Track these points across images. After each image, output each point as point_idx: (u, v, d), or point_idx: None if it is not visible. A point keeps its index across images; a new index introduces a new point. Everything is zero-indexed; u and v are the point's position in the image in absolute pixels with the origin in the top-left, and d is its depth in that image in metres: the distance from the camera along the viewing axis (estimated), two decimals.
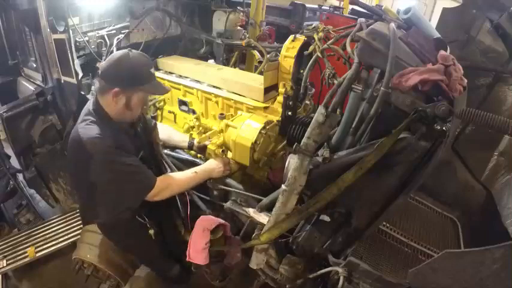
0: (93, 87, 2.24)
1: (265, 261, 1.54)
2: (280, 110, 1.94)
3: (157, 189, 1.55)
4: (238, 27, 3.06)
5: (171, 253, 1.99)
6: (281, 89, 1.98)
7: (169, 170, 1.84)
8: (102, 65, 1.55)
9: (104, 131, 1.46)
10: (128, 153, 1.51)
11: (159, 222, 1.86)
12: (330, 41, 1.60)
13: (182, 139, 2.01)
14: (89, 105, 1.57)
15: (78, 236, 2.20)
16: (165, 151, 1.96)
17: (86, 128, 1.47)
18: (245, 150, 1.77)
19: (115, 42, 2.37)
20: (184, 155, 1.96)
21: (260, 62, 2.91)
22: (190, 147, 1.95)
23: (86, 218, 1.91)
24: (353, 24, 1.44)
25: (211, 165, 1.77)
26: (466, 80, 1.13)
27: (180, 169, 1.90)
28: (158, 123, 1.98)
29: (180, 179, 1.67)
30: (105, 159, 1.44)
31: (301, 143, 1.18)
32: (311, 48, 1.78)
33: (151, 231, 1.78)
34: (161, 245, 1.92)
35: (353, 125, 1.23)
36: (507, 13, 1.70)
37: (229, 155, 1.93)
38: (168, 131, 2.05)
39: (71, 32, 1.98)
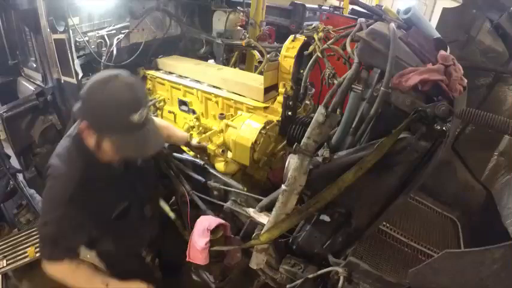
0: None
1: (265, 261, 1.54)
2: (280, 110, 1.95)
3: (52, 268, 1.27)
4: (238, 27, 3.06)
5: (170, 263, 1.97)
6: (281, 89, 1.98)
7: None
8: (83, 90, 1.22)
9: (72, 167, 1.22)
10: (95, 192, 1.24)
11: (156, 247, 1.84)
12: (330, 41, 1.60)
13: (181, 136, 1.95)
14: (71, 132, 1.32)
15: None
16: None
17: (59, 157, 1.25)
18: (245, 150, 1.77)
19: (115, 42, 2.37)
20: (184, 156, 1.96)
21: (260, 62, 2.91)
22: (188, 144, 1.93)
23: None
24: (353, 24, 1.44)
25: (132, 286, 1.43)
26: (466, 80, 1.13)
27: (182, 171, 1.89)
28: (157, 119, 1.96)
29: (83, 278, 1.32)
30: (48, 198, 1.25)
31: (301, 143, 1.18)
32: (311, 48, 1.78)
33: (148, 258, 1.76)
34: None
35: (353, 125, 1.23)
36: (507, 13, 1.70)
37: (229, 155, 1.93)
38: (167, 130, 2.05)
39: (71, 32, 1.98)
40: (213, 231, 1.59)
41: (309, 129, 1.16)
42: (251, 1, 3.61)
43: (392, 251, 1.51)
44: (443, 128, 1.03)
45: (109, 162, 1.29)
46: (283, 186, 1.28)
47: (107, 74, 1.18)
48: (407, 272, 1.10)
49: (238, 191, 1.75)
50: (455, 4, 2.06)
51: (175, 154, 1.96)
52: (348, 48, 1.29)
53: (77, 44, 2.12)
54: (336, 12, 4.65)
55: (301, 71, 1.89)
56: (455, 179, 1.92)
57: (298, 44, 1.89)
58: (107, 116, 1.13)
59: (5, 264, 2.27)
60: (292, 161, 1.23)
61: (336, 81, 1.30)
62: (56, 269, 1.27)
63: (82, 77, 2.05)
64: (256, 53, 3.00)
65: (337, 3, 7.18)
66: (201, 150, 1.93)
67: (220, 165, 1.92)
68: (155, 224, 1.70)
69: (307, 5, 4.63)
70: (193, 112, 2.36)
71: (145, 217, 1.59)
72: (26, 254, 2.32)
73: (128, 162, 1.38)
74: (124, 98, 1.13)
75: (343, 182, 1.14)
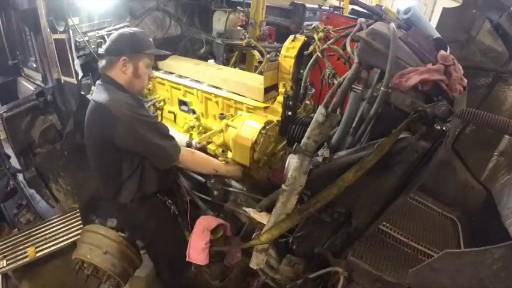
0: (93, 85, 2.24)
1: (265, 261, 1.54)
2: (280, 110, 1.94)
3: (185, 153, 1.60)
4: (238, 27, 3.06)
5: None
6: (281, 89, 1.98)
7: None
8: (104, 46, 1.65)
9: (125, 95, 1.53)
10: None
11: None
12: (330, 41, 1.60)
13: (181, 139, 1.99)
14: (103, 87, 1.58)
15: (78, 236, 2.20)
16: None
17: (110, 97, 1.50)
18: (245, 150, 1.77)
19: None
20: None
21: (260, 62, 2.91)
22: (189, 147, 1.95)
23: (107, 199, 1.80)
24: (353, 24, 1.44)
25: (236, 169, 1.81)
26: (466, 80, 1.13)
27: (182, 171, 1.90)
28: None
29: (204, 156, 1.72)
30: (133, 119, 1.46)
31: (301, 143, 1.18)
32: (311, 48, 1.78)
33: (173, 207, 1.79)
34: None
35: (353, 125, 1.23)
36: (507, 13, 1.70)
37: (229, 155, 1.93)
38: None
39: (71, 32, 1.98)
40: (213, 231, 1.59)
41: (309, 129, 1.16)
42: (251, 1, 3.61)
43: (392, 251, 1.51)
44: (443, 128, 1.03)
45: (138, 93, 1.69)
46: (283, 186, 1.28)
47: (119, 30, 1.62)
48: (407, 272, 1.10)
49: (238, 191, 1.75)
50: (455, 4, 2.06)
51: None
52: (348, 48, 1.29)
53: (77, 44, 2.12)
54: (336, 12, 4.65)
55: (301, 71, 1.89)
56: (455, 179, 1.93)
57: (298, 44, 1.89)
58: (140, 40, 1.58)
59: (5, 264, 2.27)
60: (292, 161, 1.23)
61: (336, 81, 1.30)
62: (183, 158, 1.59)
63: (82, 77, 2.05)
64: (256, 53, 3.00)
65: (337, 3, 7.17)
66: (201, 150, 1.93)
67: None
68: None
69: (307, 5, 4.62)
70: (193, 112, 2.36)
71: None
72: (26, 254, 2.32)
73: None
74: (140, 30, 1.69)
75: (343, 182, 1.14)
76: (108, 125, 1.47)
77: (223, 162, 1.83)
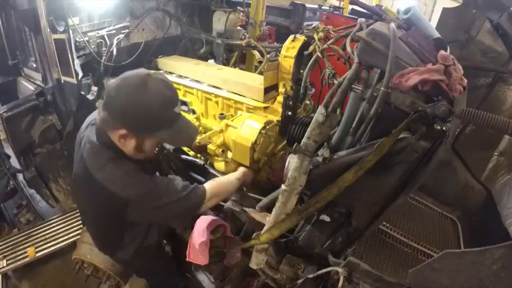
0: (93, 88, 2.23)
1: (265, 261, 1.54)
2: (280, 110, 1.94)
3: (206, 201, 1.41)
4: (238, 27, 3.06)
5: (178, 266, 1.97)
6: (281, 89, 1.98)
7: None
8: (109, 89, 1.15)
9: (128, 167, 1.23)
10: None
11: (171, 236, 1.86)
12: (330, 41, 1.60)
13: None
14: (90, 136, 1.27)
15: (78, 236, 2.20)
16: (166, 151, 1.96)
17: (107, 171, 1.21)
18: (245, 150, 1.76)
19: (115, 42, 2.37)
20: (185, 155, 1.96)
21: (260, 62, 2.91)
22: (189, 146, 1.94)
23: (106, 253, 1.65)
24: (353, 24, 1.44)
25: (246, 173, 1.72)
26: (466, 80, 1.13)
27: (182, 171, 1.89)
28: None
29: (225, 184, 1.56)
30: (146, 197, 1.23)
31: (301, 143, 1.18)
32: (311, 48, 1.78)
33: (167, 248, 1.78)
34: (172, 259, 1.91)
35: (353, 125, 1.23)
36: (507, 13, 1.70)
37: (229, 155, 1.92)
38: None
39: (71, 32, 1.97)
40: (213, 231, 1.59)
41: (309, 129, 1.16)
42: (251, 1, 3.60)
43: (392, 251, 1.51)
44: (443, 128, 1.03)
45: (141, 161, 1.33)
46: (283, 186, 1.28)
47: (136, 77, 1.15)
48: (407, 272, 1.10)
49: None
50: (455, 4, 2.06)
51: (175, 154, 1.96)
52: (348, 48, 1.29)
53: (77, 44, 2.12)
54: (336, 12, 4.65)
55: (301, 71, 1.89)
56: (455, 179, 1.92)
57: (298, 44, 1.89)
58: (156, 117, 1.15)
59: (5, 264, 2.27)
60: (292, 161, 1.23)
61: (336, 81, 1.30)
62: (209, 201, 1.42)
63: (82, 77, 2.05)
64: (256, 53, 3.00)
65: (337, 3, 7.17)
66: (201, 150, 1.93)
67: (220, 165, 1.92)
68: None
69: (307, 5, 4.62)
70: (193, 112, 2.36)
71: None
72: (26, 254, 2.32)
73: (149, 158, 1.43)
74: (167, 95, 1.16)
75: (343, 182, 1.14)
76: (117, 207, 1.23)
77: (224, 163, 1.83)
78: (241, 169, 1.75)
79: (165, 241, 1.79)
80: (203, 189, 1.40)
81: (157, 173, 1.41)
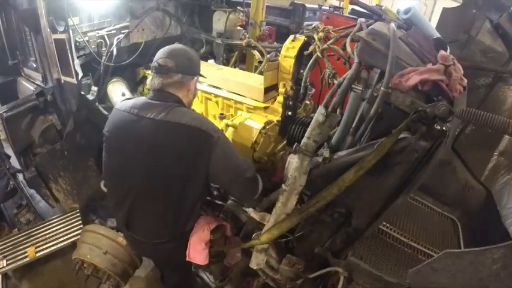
0: (93, 87, 2.23)
1: (265, 261, 1.54)
2: (280, 110, 1.94)
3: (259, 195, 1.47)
4: (238, 27, 3.06)
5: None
6: (281, 89, 1.98)
7: None
8: (162, 59, 1.41)
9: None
10: None
11: None
12: (330, 41, 1.60)
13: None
14: (159, 107, 1.39)
15: (78, 236, 2.20)
16: None
17: (193, 117, 1.38)
18: (245, 150, 1.77)
19: (115, 42, 2.37)
20: None
21: (260, 62, 2.91)
22: None
23: (166, 227, 1.52)
24: (353, 24, 1.44)
25: None
26: (466, 80, 1.13)
27: None
28: None
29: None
30: (227, 142, 1.40)
31: (301, 143, 1.18)
32: (311, 48, 1.78)
33: None
34: None
35: (353, 125, 1.23)
36: (507, 13, 1.70)
37: None
38: None
39: (71, 32, 1.97)
40: (213, 231, 1.59)
41: (309, 129, 1.16)
42: (251, 1, 3.61)
43: (392, 251, 1.51)
44: (443, 128, 1.03)
45: None
46: (283, 186, 1.28)
47: (179, 46, 1.58)
48: (407, 272, 1.10)
49: None
50: (455, 4, 2.06)
51: None
52: (348, 48, 1.29)
53: (77, 44, 2.12)
54: (336, 12, 4.66)
55: (301, 71, 1.89)
56: (455, 179, 1.92)
57: (298, 44, 1.89)
58: (198, 60, 1.55)
59: (5, 264, 2.27)
60: (292, 161, 1.23)
61: (336, 81, 1.30)
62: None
63: (82, 77, 2.05)
64: (256, 53, 3.00)
65: (337, 3, 7.18)
66: None
67: None
68: None
69: (307, 5, 4.63)
70: None
71: None
72: (26, 254, 2.32)
73: None
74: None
75: (343, 182, 1.14)
76: (206, 148, 1.33)
77: None
78: None
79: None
80: (260, 184, 1.46)
81: None
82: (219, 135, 1.36)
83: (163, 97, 1.43)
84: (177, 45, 1.55)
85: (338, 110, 1.26)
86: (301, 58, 1.89)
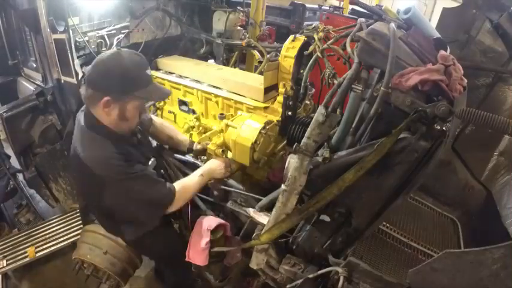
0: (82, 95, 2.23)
1: (265, 261, 1.54)
2: (280, 110, 1.94)
3: (175, 200, 1.48)
4: (238, 27, 3.06)
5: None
6: (281, 89, 1.98)
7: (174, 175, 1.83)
8: (87, 69, 1.33)
9: (109, 149, 1.32)
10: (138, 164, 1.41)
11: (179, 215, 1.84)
12: (330, 41, 1.60)
13: (182, 141, 1.95)
14: (80, 120, 1.40)
15: (78, 236, 2.20)
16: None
17: (90, 151, 1.33)
18: (245, 150, 1.77)
19: (115, 42, 2.38)
20: (184, 157, 1.96)
21: (260, 62, 2.91)
22: (190, 150, 1.93)
23: (112, 233, 1.79)
24: (353, 24, 1.44)
25: (213, 166, 1.73)
26: (466, 80, 1.12)
27: (179, 169, 1.90)
28: (160, 120, 1.98)
29: (190, 185, 1.60)
30: (119, 181, 1.32)
31: (301, 143, 1.18)
32: (311, 48, 1.78)
33: (176, 225, 1.77)
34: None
35: (353, 125, 1.23)
36: (507, 13, 1.70)
37: (229, 155, 1.93)
38: (169, 130, 2.05)
39: (71, 32, 1.97)
40: (213, 231, 1.59)
41: (309, 129, 1.16)
42: (251, 1, 3.60)
43: (392, 251, 1.51)
44: (443, 128, 1.03)
45: (125, 134, 1.45)
46: (283, 186, 1.28)
47: (109, 52, 1.32)
48: (407, 272, 1.10)
49: (238, 191, 1.75)
50: (455, 4, 2.06)
51: (175, 155, 1.96)
52: (348, 48, 1.29)
53: (77, 44, 2.12)
54: (336, 12, 4.65)
55: (301, 71, 1.89)
56: (455, 179, 1.92)
57: (298, 44, 1.89)
58: (131, 77, 1.29)
59: (5, 264, 2.27)
60: (292, 161, 1.23)
61: (336, 81, 1.30)
62: (176, 202, 1.49)
63: (82, 77, 2.05)
64: (256, 53, 3.00)
65: (337, 3, 7.18)
66: (203, 151, 1.93)
67: None
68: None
69: (307, 5, 4.62)
70: (193, 112, 2.36)
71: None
72: (26, 254, 2.32)
73: (134, 132, 1.55)
74: (136, 59, 1.33)
75: (343, 182, 1.14)
76: (95, 187, 1.35)
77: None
78: (210, 162, 1.75)
79: (176, 221, 1.79)
80: (173, 190, 1.47)
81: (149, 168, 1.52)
82: (107, 177, 1.30)
83: (85, 112, 1.40)
84: (110, 53, 1.31)
85: (338, 110, 1.26)
86: (301, 58, 1.89)
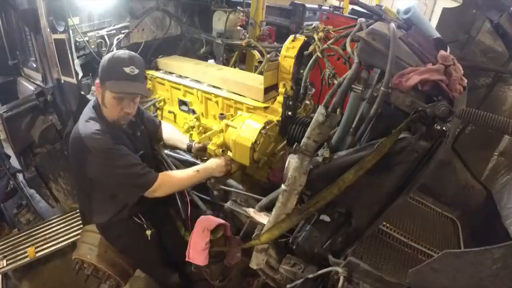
0: (93, 87, 2.23)
1: (265, 261, 1.53)
2: (280, 110, 1.94)
3: (157, 185, 1.55)
4: (238, 27, 3.06)
5: (169, 259, 1.97)
6: (281, 89, 1.98)
7: (169, 169, 1.84)
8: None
9: (102, 127, 1.50)
10: (120, 143, 1.54)
11: (157, 224, 1.86)
12: (330, 41, 1.60)
13: (182, 140, 2.00)
14: (91, 102, 1.63)
15: (78, 236, 2.20)
16: (166, 151, 1.96)
17: (85, 124, 1.51)
18: (245, 150, 1.77)
19: (115, 42, 2.37)
20: (184, 156, 1.96)
21: (260, 62, 2.91)
22: (189, 149, 1.94)
23: (85, 219, 1.95)
24: (353, 24, 1.43)
25: (213, 165, 1.76)
26: (466, 80, 1.12)
27: (179, 169, 1.90)
28: (170, 129, 2.02)
29: (181, 176, 1.68)
30: (103, 153, 1.47)
31: (301, 143, 1.18)
32: (311, 48, 1.78)
33: (148, 232, 1.77)
34: (159, 249, 1.91)
35: (353, 125, 1.23)
36: (507, 13, 1.70)
37: (229, 155, 1.92)
38: (170, 129, 2.06)
39: (71, 32, 1.97)
40: (213, 231, 1.59)
41: (309, 129, 1.16)
42: (251, 1, 3.61)
43: (392, 251, 1.51)
44: (443, 128, 1.03)
45: (122, 125, 1.62)
46: (283, 186, 1.28)
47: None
48: (407, 272, 1.10)
49: (238, 191, 1.75)
50: (455, 4, 2.06)
51: (175, 155, 1.96)
52: (348, 48, 1.29)
53: (77, 44, 2.12)
54: (336, 12, 4.66)
55: (301, 71, 1.89)
56: (455, 179, 1.92)
57: (298, 44, 1.89)
58: (111, 67, 1.48)
59: (5, 264, 2.27)
60: (292, 161, 1.23)
61: (336, 81, 1.30)
62: (160, 188, 1.57)
63: (82, 77, 2.05)
64: (256, 53, 3.00)
65: (337, 3, 7.19)
66: (202, 151, 1.93)
67: None
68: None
69: (307, 5, 4.63)
70: (193, 112, 2.36)
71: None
72: (26, 254, 2.32)
73: (132, 127, 1.72)
74: (120, 56, 1.50)
75: (343, 182, 1.14)
76: (81, 155, 1.50)
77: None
78: (211, 161, 1.80)
79: (150, 228, 1.79)
80: (155, 176, 1.56)
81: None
82: (93, 148, 1.46)
83: (95, 98, 1.64)
84: (119, 50, 1.63)
85: (338, 110, 1.26)
86: (301, 58, 1.89)
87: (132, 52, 1.55)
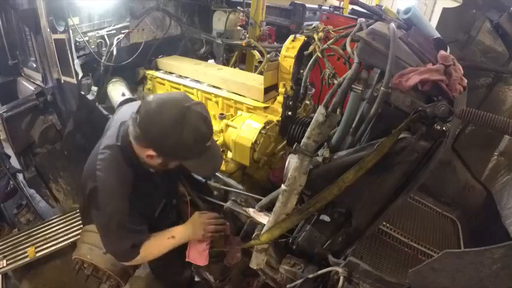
0: (93, 87, 2.23)
1: (265, 261, 1.53)
2: (280, 110, 1.95)
3: (133, 260, 1.40)
4: (238, 27, 3.06)
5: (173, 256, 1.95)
6: (281, 89, 1.99)
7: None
8: (147, 109, 1.15)
9: (123, 172, 1.27)
10: (143, 197, 1.35)
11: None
12: (330, 41, 1.60)
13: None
14: (114, 137, 1.31)
15: (78, 236, 2.20)
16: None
17: (106, 161, 1.27)
18: (245, 150, 1.77)
19: (115, 42, 2.37)
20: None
21: (260, 62, 2.91)
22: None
23: (85, 219, 1.88)
24: (353, 24, 1.44)
25: (189, 229, 1.51)
26: (466, 80, 1.12)
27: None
28: None
29: (155, 247, 1.44)
30: (105, 202, 1.27)
31: (301, 143, 1.18)
32: (311, 48, 1.78)
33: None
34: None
35: (353, 125, 1.23)
36: (507, 13, 1.70)
37: (229, 155, 1.93)
38: None
39: (71, 32, 1.97)
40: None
41: (309, 129, 1.16)
42: (251, 1, 3.61)
43: (392, 251, 1.51)
44: (443, 128, 1.03)
45: (151, 172, 1.37)
46: (283, 186, 1.28)
47: (177, 109, 1.14)
48: (407, 272, 1.10)
49: (238, 191, 1.75)
50: (455, 4, 2.06)
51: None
52: (348, 48, 1.29)
53: (77, 44, 2.12)
54: (336, 12, 4.66)
55: (301, 71, 1.89)
56: (455, 179, 1.92)
57: (298, 44, 1.89)
58: (187, 149, 1.19)
59: (5, 264, 2.27)
60: (292, 161, 1.23)
61: (336, 81, 1.30)
62: (132, 262, 1.40)
63: (82, 77, 2.05)
64: (256, 53, 3.00)
65: (337, 3, 7.19)
66: None
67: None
68: (177, 211, 1.76)
69: (307, 5, 4.63)
70: None
71: (173, 206, 1.71)
72: (26, 254, 2.32)
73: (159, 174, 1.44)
74: (202, 132, 1.20)
75: (343, 182, 1.14)
76: (86, 197, 1.32)
77: (224, 163, 1.81)
78: (188, 224, 1.52)
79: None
80: (136, 251, 1.36)
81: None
82: (101, 189, 1.25)
83: (121, 136, 1.31)
84: (176, 113, 1.13)
85: (338, 110, 1.26)
86: (301, 58, 1.89)
87: (201, 108, 1.24)
